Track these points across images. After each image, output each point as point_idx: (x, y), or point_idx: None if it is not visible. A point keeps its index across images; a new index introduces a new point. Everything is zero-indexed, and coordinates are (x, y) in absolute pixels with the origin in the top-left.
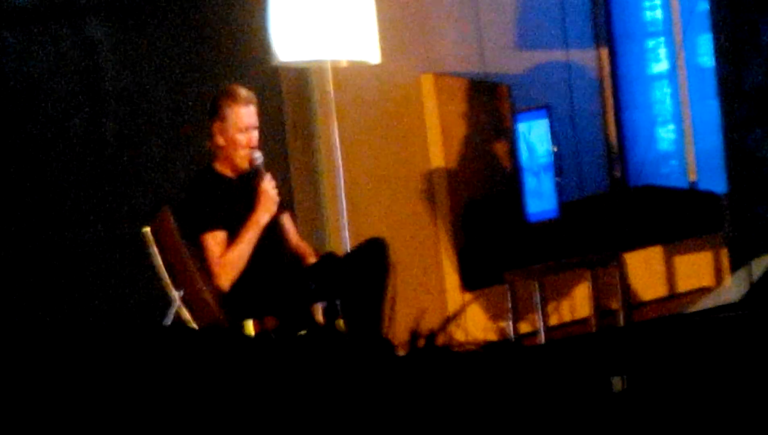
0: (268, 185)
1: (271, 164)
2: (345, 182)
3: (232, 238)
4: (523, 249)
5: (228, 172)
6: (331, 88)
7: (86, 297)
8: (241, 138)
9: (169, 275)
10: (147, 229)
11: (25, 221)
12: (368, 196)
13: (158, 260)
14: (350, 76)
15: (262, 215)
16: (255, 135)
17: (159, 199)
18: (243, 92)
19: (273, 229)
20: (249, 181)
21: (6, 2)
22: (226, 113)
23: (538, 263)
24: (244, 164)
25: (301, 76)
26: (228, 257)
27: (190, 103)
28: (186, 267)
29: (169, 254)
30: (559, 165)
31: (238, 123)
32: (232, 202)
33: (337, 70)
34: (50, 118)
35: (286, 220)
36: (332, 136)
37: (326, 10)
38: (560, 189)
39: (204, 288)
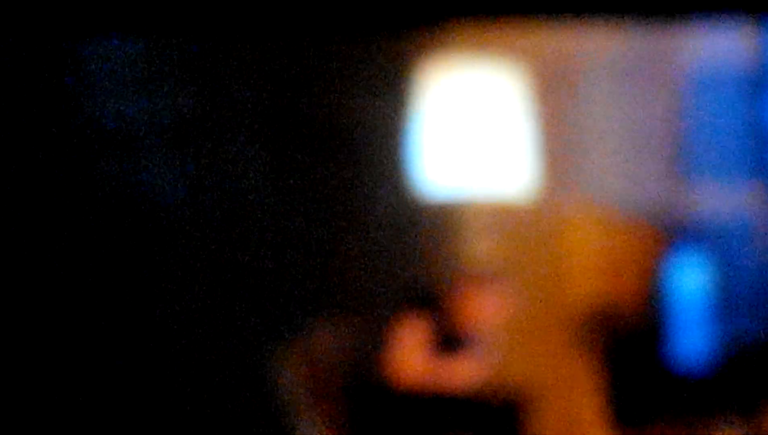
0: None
1: None
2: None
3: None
4: (669, 396)
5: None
6: (485, 228)
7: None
8: (485, 321)
9: (309, 398)
10: (287, 348)
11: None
12: (517, 329)
13: (297, 381)
14: (504, 214)
15: (461, 377)
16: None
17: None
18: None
19: None
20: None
21: (145, 119)
22: (471, 295)
23: (687, 412)
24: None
25: (445, 216)
26: (412, 365)
27: (332, 230)
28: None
29: (315, 373)
30: (713, 308)
31: (483, 307)
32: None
33: (490, 209)
34: (193, 238)
35: None
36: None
37: (480, 149)
38: (713, 335)
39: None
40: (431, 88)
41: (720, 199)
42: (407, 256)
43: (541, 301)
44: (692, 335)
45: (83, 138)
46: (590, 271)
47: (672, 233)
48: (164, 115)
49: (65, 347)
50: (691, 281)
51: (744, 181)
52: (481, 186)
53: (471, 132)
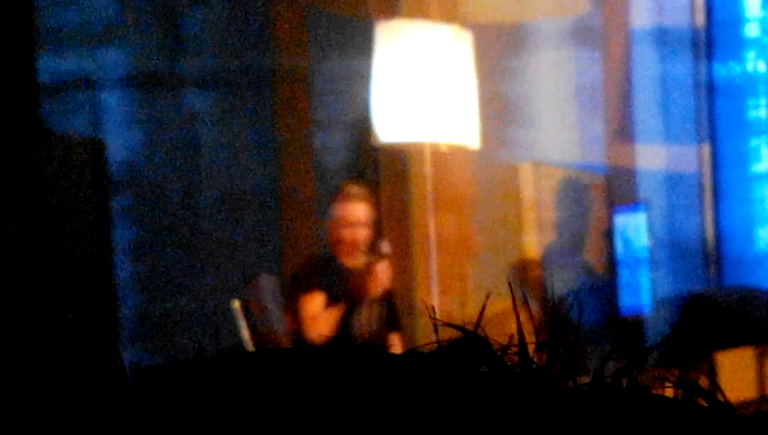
0: (380, 271)
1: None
2: (438, 266)
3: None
4: (613, 343)
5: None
6: (429, 170)
7: None
8: (347, 234)
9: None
10: (236, 303)
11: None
12: (462, 283)
13: (246, 333)
14: (448, 160)
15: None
16: (362, 232)
17: (249, 273)
18: (353, 189)
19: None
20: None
21: (108, 68)
22: (335, 210)
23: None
24: (350, 263)
25: (400, 158)
26: (323, 316)
27: (285, 179)
28: (276, 336)
29: (259, 323)
30: (655, 260)
31: (344, 219)
32: (341, 282)
33: (435, 153)
34: (147, 186)
35: None
36: (428, 219)
37: (428, 91)
38: (654, 285)
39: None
40: (389, 42)
41: (661, 158)
42: None
43: (488, 250)
44: (633, 287)
45: None
46: (532, 225)
47: (617, 189)
48: None
49: None
50: (635, 236)
51: (685, 142)
52: (427, 135)
53: (421, 85)
